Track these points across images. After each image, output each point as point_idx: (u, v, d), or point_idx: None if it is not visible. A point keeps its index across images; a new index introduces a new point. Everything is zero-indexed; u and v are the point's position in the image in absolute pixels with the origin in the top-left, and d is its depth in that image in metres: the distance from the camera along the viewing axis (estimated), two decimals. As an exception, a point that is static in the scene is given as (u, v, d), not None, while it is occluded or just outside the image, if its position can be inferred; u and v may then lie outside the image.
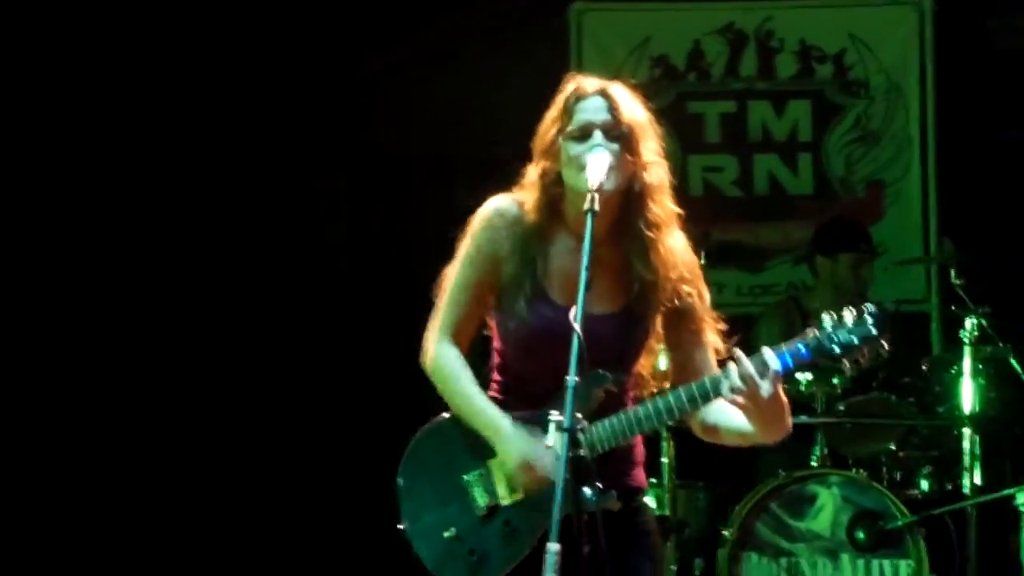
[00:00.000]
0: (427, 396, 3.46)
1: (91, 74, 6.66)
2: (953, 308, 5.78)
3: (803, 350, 3.13)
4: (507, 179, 3.42)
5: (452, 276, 3.41)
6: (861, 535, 5.47)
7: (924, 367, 5.96)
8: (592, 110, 3.31)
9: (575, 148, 3.28)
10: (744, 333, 3.21)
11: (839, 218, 6.65)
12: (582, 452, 3.01)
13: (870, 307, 3.11)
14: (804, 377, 5.67)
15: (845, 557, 5.51)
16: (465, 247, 3.39)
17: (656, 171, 3.34)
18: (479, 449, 3.34)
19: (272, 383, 6.75)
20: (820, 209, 7.05)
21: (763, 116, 7.22)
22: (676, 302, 3.34)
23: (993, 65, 7.04)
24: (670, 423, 3.30)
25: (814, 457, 5.70)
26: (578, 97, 3.33)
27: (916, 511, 5.49)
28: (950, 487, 5.73)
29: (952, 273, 5.81)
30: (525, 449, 3.24)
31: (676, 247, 3.35)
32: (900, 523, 5.44)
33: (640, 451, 3.45)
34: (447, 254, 3.41)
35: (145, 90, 6.74)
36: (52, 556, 6.41)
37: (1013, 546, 5.47)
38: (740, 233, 7.12)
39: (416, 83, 6.94)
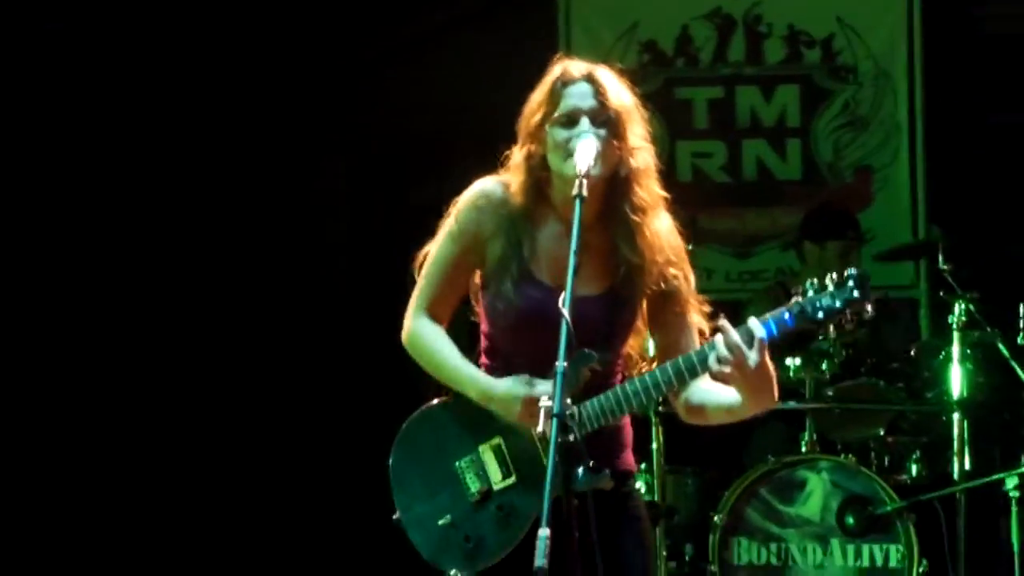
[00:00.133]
0: (425, 392, 3.45)
1: (88, 67, 6.63)
2: (941, 294, 5.78)
3: (787, 317, 3.14)
4: (499, 165, 3.42)
5: (432, 256, 3.41)
6: (851, 520, 5.48)
7: (912, 353, 5.96)
8: (579, 95, 3.31)
9: (562, 133, 3.29)
10: (732, 319, 3.21)
11: (827, 204, 6.65)
12: (571, 437, 3.00)
13: (851, 271, 3.13)
14: (793, 363, 5.67)
15: (835, 542, 5.51)
16: (447, 225, 3.40)
17: (642, 156, 3.35)
18: (470, 434, 3.35)
19: (271, 377, 6.73)
20: (808, 195, 7.05)
21: (751, 101, 7.22)
22: (662, 285, 3.35)
23: (982, 50, 7.03)
24: (658, 398, 3.31)
25: (803, 443, 5.70)
26: (565, 82, 3.33)
27: (905, 496, 5.49)
28: (939, 472, 5.74)
29: (940, 259, 5.82)
30: (523, 390, 3.23)
31: (662, 230, 3.36)
32: (889, 508, 5.44)
33: (629, 433, 3.46)
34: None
35: (141, 85, 6.71)
36: (52, 556, 6.40)
37: (1004, 531, 5.48)
38: (728, 219, 7.13)
39: (407, 72, 6.92)
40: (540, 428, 2.99)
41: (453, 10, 7.03)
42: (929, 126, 7.07)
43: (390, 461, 3.45)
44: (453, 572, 3.35)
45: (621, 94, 3.33)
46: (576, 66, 3.36)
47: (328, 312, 6.88)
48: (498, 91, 3.50)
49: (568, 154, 3.24)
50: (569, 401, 2.99)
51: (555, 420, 2.95)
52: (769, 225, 7.17)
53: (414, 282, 3.46)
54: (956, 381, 5.60)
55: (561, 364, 2.97)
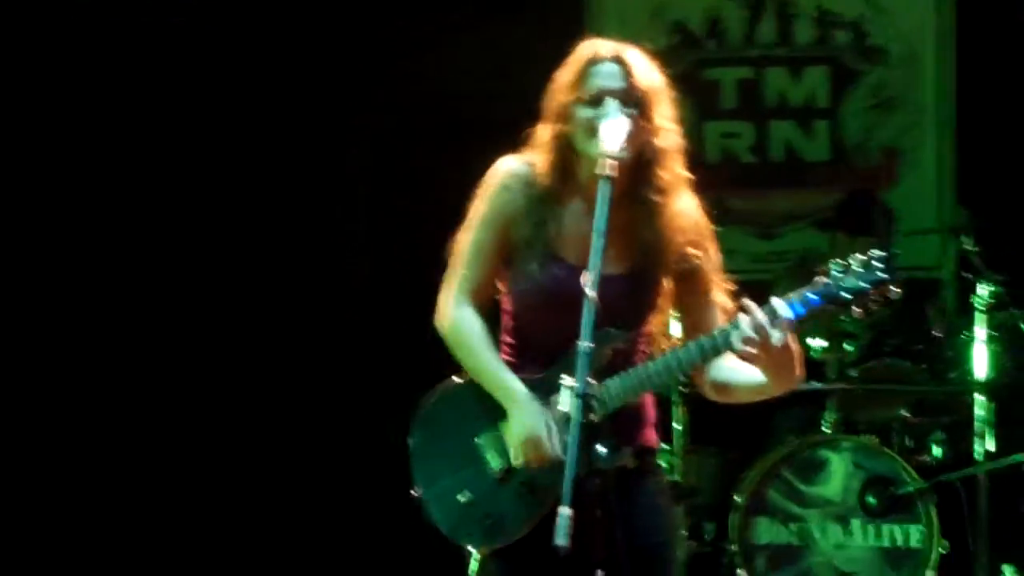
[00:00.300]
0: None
1: (101, 57, 6.65)
2: (967, 275, 5.78)
3: (812, 297, 3.15)
4: (522, 143, 3.43)
5: (468, 239, 3.42)
6: (872, 501, 5.49)
7: (937, 333, 5.96)
8: (607, 76, 3.32)
9: (589, 113, 3.30)
10: (757, 300, 3.22)
11: (865, 197, 6.58)
12: (593, 417, 3.03)
13: (876, 252, 3.14)
14: (817, 343, 5.68)
15: (856, 522, 5.52)
16: (480, 210, 3.41)
17: (668, 136, 3.36)
18: (491, 411, 3.36)
19: (289, 362, 6.71)
20: (836, 176, 7.04)
21: (780, 82, 7.21)
22: (685, 264, 3.37)
23: (1015, 31, 6.99)
24: (682, 377, 3.33)
25: (826, 423, 5.72)
26: (592, 61, 3.35)
27: (927, 477, 5.50)
28: (962, 453, 5.74)
29: (967, 240, 5.81)
30: (534, 426, 3.27)
31: (685, 210, 3.38)
32: (911, 489, 5.46)
33: (651, 411, 3.47)
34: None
35: (155, 76, 6.70)
36: (51, 556, 6.42)
37: (1024, 511, 5.50)
38: (755, 199, 7.13)
39: (437, 57, 6.90)
40: (562, 407, 3.02)
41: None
42: (961, 108, 7.05)
43: (410, 437, 3.46)
44: (472, 548, 3.36)
45: (649, 74, 3.35)
46: (604, 46, 3.38)
47: (350, 302, 6.84)
48: (527, 76, 3.49)
49: (595, 134, 3.25)
50: (592, 381, 3.02)
51: (578, 399, 2.98)
52: (796, 206, 7.16)
53: (436, 268, 3.47)
54: (981, 362, 5.61)
55: (586, 344, 2.99)
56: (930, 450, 5.84)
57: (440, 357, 3.46)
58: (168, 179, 6.73)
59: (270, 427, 6.64)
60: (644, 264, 3.35)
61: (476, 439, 3.39)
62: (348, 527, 6.56)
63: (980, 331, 5.59)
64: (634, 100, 3.29)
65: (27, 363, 6.53)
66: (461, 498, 3.37)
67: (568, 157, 3.36)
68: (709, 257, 3.40)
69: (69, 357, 6.58)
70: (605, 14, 7.12)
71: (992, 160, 6.89)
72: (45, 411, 6.54)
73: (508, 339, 3.44)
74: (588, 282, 3.03)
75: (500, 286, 3.45)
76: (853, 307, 3.16)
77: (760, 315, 3.15)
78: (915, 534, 5.47)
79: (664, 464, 5.51)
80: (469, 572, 3.36)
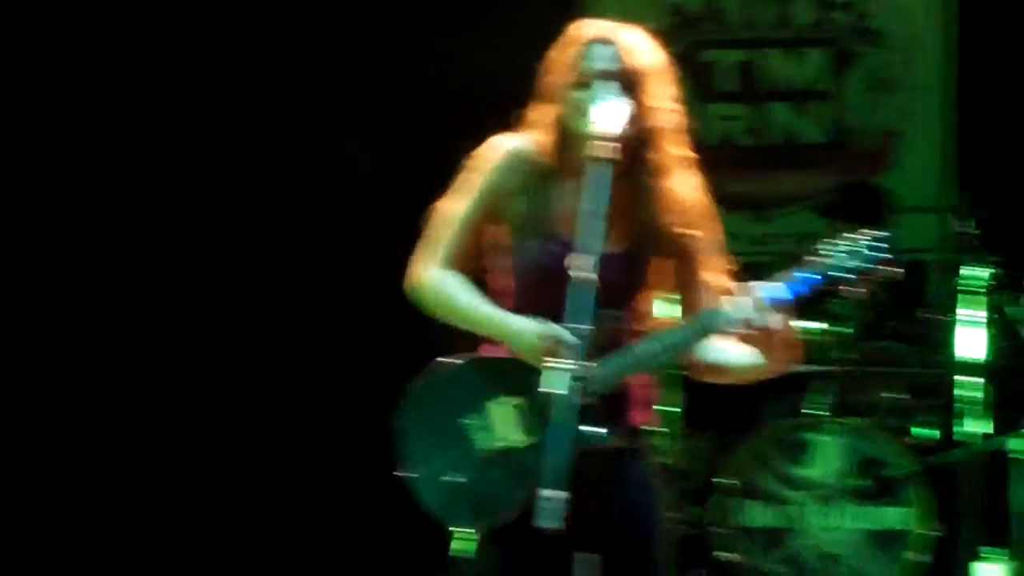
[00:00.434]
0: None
1: (92, 63, 6.65)
2: (964, 257, 5.78)
3: (807, 278, 3.16)
4: (513, 122, 3.43)
5: (454, 209, 3.40)
6: (862, 483, 5.51)
7: (932, 316, 5.97)
8: (601, 57, 3.32)
9: (583, 95, 3.30)
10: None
11: (863, 189, 6.57)
12: (587, 398, 3.05)
13: (872, 233, 3.15)
14: (811, 325, 5.68)
15: (844, 505, 5.53)
16: (472, 183, 3.39)
17: (664, 116, 3.36)
18: (480, 391, 3.35)
19: (286, 366, 6.73)
20: (834, 158, 7.04)
21: (779, 64, 7.20)
22: (680, 244, 3.37)
23: (1016, 14, 6.97)
24: (675, 357, 3.32)
25: (818, 405, 5.72)
26: (588, 42, 3.34)
27: (919, 460, 5.51)
28: (955, 436, 5.75)
29: (963, 223, 5.81)
30: (543, 328, 3.22)
31: (682, 190, 3.37)
32: (903, 471, 5.46)
33: (643, 391, 3.44)
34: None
35: (156, 70, 6.71)
36: (51, 556, 6.44)
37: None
38: (753, 182, 7.13)
39: (437, 57, 6.88)
40: (548, 387, 3.02)
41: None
42: (961, 90, 7.04)
43: (399, 419, 3.43)
44: (460, 530, 3.34)
45: (644, 54, 3.34)
46: (600, 26, 3.37)
47: (350, 301, 6.82)
48: (525, 57, 3.49)
49: (588, 115, 3.25)
50: (586, 364, 3.02)
51: (576, 381, 2.99)
52: (794, 188, 7.16)
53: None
54: (977, 345, 5.61)
55: (586, 327, 3.01)
56: (922, 433, 5.84)
57: (440, 356, 3.44)
58: (168, 178, 6.75)
59: (270, 427, 6.66)
60: (639, 244, 3.35)
61: (465, 419, 3.37)
62: (348, 527, 6.59)
63: (963, 313, 5.57)
64: (628, 81, 3.28)
65: (27, 363, 6.56)
66: (451, 480, 3.36)
67: (562, 137, 3.35)
68: (706, 238, 3.40)
69: (68, 353, 6.61)
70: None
71: (993, 143, 6.88)
72: (41, 406, 6.56)
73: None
74: (587, 265, 3.03)
75: (488, 264, 3.43)
76: (849, 288, 3.17)
77: (754, 296, 3.17)
78: (906, 517, 5.47)
79: (658, 446, 5.51)
80: (450, 552, 3.36)
